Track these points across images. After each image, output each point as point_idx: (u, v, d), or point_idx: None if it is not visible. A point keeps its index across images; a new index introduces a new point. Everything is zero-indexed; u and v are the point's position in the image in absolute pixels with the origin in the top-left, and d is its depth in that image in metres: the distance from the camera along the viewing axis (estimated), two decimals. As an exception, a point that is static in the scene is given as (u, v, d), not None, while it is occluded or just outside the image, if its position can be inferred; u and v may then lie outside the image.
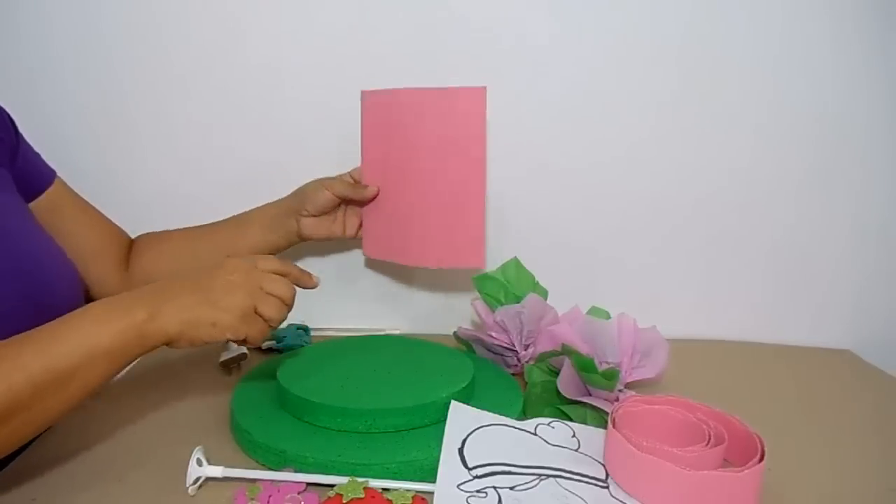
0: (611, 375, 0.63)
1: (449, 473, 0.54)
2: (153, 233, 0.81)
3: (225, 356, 0.77)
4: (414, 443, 0.57)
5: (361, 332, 0.88)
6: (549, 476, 0.55)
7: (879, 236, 0.88)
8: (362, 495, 0.51)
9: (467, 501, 0.51)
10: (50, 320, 0.59)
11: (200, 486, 0.54)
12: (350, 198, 0.78)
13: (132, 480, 0.55)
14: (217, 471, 0.54)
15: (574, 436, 0.61)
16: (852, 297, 0.91)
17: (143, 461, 0.58)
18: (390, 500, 0.51)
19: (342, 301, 0.91)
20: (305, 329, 0.86)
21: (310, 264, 0.89)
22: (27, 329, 0.56)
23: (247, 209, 0.80)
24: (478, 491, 0.52)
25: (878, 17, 0.81)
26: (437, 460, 0.54)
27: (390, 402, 0.60)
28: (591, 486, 0.54)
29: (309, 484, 0.53)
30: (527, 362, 0.74)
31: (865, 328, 0.92)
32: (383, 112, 0.75)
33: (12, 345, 0.48)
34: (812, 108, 0.85)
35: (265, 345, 0.82)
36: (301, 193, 0.78)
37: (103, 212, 0.77)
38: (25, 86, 0.83)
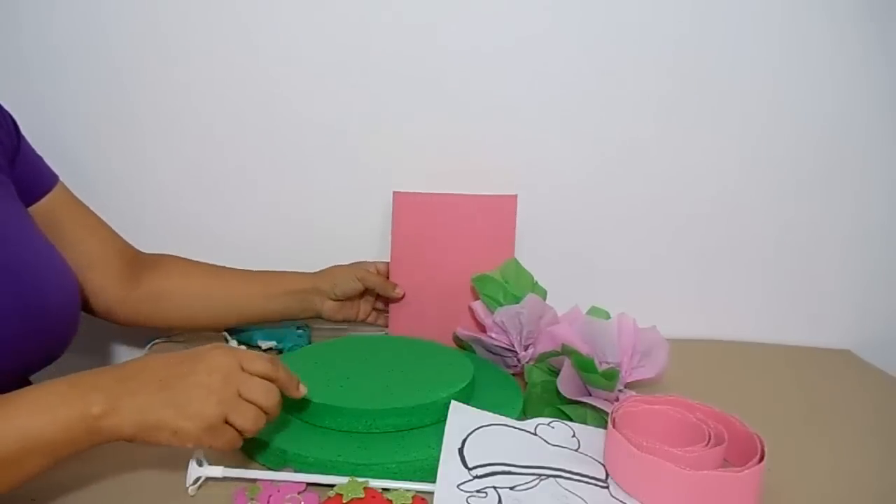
0: (611, 375, 0.63)
1: (449, 473, 0.54)
2: (179, 257, 0.80)
3: (225, 356, 0.77)
4: (414, 443, 0.57)
5: (361, 332, 0.88)
6: (549, 476, 0.55)
7: (879, 237, 0.88)
8: (362, 495, 0.51)
9: (467, 501, 0.50)
10: (43, 329, 0.58)
11: (200, 486, 0.54)
12: (378, 293, 0.82)
13: (132, 480, 0.55)
14: (217, 471, 0.54)
15: (574, 436, 0.61)
16: (852, 297, 0.91)
17: (143, 461, 0.58)
18: (390, 500, 0.51)
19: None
20: (305, 329, 0.86)
21: (310, 263, 0.89)
22: (19, 336, 0.56)
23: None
24: (478, 491, 0.52)
25: (878, 19, 0.81)
26: (437, 460, 0.54)
27: (390, 402, 0.59)
28: (591, 486, 0.54)
29: (309, 484, 0.53)
30: (527, 363, 0.74)
31: (865, 328, 0.92)
32: (415, 213, 0.82)
33: None
34: (812, 110, 0.85)
35: (265, 345, 0.82)
36: (331, 278, 0.80)
37: (106, 216, 0.76)
38: (29, 89, 0.83)
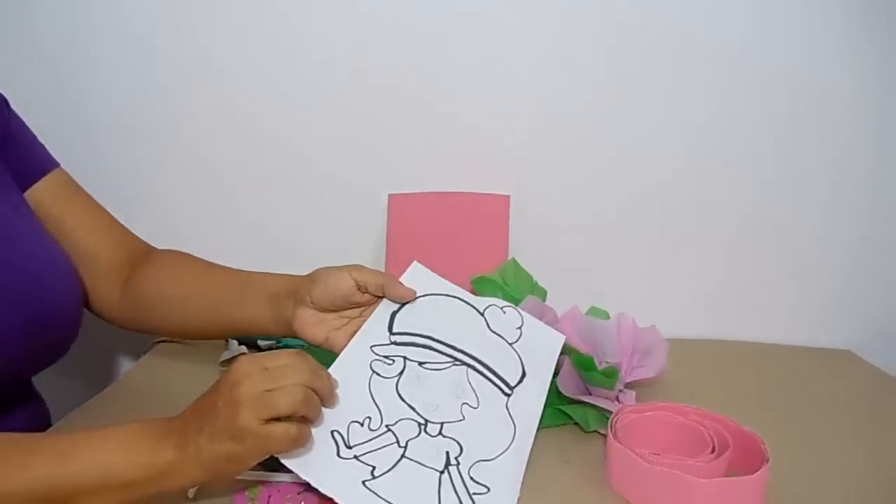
0: (611, 373, 0.63)
1: (370, 331, 0.55)
2: (181, 254, 0.71)
3: (225, 356, 0.77)
4: (413, 442, 0.57)
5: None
6: (463, 364, 0.55)
7: (879, 236, 0.88)
8: (362, 495, 0.51)
9: (371, 365, 0.52)
10: (47, 328, 0.58)
11: (200, 488, 0.54)
12: (381, 293, 0.59)
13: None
14: (217, 471, 0.54)
15: (520, 327, 0.60)
16: (852, 297, 0.91)
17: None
18: (390, 500, 0.51)
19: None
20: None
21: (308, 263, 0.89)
22: (23, 336, 0.56)
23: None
24: (386, 356, 0.53)
25: (879, 16, 0.81)
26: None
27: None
28: (494, 388, 0.55)
29: (309, 484, 0.53)
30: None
31: (865, 328, 0.92)
32: (410, 213, 0.81)
33: (22, 448, 0.45)
34: (811, 107, 0.84)
35: (264, 344, 0.82)
36: (314, 275, 0.60)
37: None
38: (28, 90, 0.83)
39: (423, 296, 0.59)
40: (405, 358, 0.53)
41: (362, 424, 0.51)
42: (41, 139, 0.68)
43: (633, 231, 0.90)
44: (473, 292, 0.79)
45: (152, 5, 0.81)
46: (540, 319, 0.73)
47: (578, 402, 0.66)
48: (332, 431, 0.50)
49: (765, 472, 0.51)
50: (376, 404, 0.52)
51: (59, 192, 0.65)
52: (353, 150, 0.86)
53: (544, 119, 0.86)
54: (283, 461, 0.47)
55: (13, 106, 0.65)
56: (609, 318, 0.73)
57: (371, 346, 0.54)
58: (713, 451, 0.55)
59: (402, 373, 0.51)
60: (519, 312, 0.61)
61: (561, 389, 0.65)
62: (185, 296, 0.66)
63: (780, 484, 0.55)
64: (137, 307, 0.67)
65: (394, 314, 0.57)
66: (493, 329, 0.59)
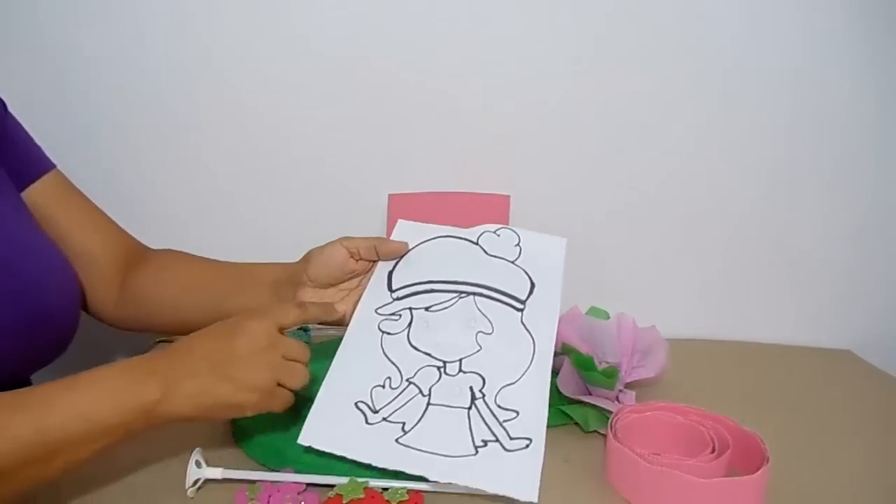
0: (611, 373, 0.63)
1: (371, 297, 0.56)
2: (176, 252, 0.71)
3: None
4: (413, 442, 0.57)
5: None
6: (469, 294, 0.55)
7: (879, 236, 0.88)
8: (362, 495, 0.51)
9: (379, 326, 0.53)
10: (43, 329, 0.57)
11: (200, 488, 0.54)
12: (374, 255, 0.61)
13: (132, 483, 0.55)
14: (216, 472, 0.54)
15: (518, 244, 0.61)
16: (852, 297, 0.91)
17: (143, 463, 0.58)
18: (389, 501, 0.51)
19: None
20: (305, 329, 0.86)
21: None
22: (18, 338, 0.55)
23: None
24: (392, 314, 0.54)
25: (879, 16, 0.81)
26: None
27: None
28: (505, 307, 0.55)
29: (309, 484, 0.53)
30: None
31: (865, 328, 0.92)
32: (410, 213, 0.80)
33: (2, 408, 0.44)
34: (811, 108, 0.84)
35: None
36: (307, 256, 0.62)
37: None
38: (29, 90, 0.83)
39: (415, 246, 0.60)
40: (410, 308, 0.54)
41: (384, 386, 0.52)
42: (41, 139, 0.67)
43: (633, 231, 0.90)
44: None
45: (152, 5, 0.81)
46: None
47: (578, 402, 0.66)
48: (356, 403, 0.51)
49: (765, 472, 0.51)
50: (392, 363, 0.53)
51: (56, 193, 0.65)
52: (353, 150, 0.86)
53: (544, 119, 0.85)
54: (316, 445, 0.50)
55: (13, 107, 0.65)
56: (609, 318, 0.73)
57: (375, 310, 0.55)
58: (713, 451, 0.55)
59: (410, 324, 0.52)
60: (513, 231, 0.62)
61: (561, 389, 0.65)
62: (184, 292, 0.67)
63: (780, 484, 0.55)
64: (136, 307, 0.67)
65: (390, 273, 0.57)
66: (491, 253, 0.59)
